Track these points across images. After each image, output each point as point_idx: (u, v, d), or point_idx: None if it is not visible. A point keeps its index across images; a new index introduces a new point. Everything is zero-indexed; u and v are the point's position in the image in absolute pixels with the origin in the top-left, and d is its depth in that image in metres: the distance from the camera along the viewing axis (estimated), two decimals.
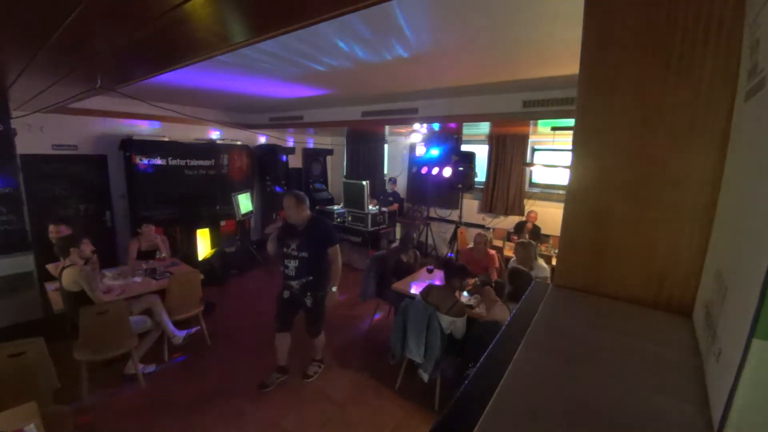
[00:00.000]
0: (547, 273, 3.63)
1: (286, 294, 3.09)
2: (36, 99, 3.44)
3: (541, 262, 3.74)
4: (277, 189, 6.97)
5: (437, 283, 3.29)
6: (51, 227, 3.81)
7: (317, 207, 7.38)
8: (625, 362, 0.50)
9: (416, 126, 5.51)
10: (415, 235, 7.28)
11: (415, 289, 3.56)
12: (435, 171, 5.99)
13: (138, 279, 3.69)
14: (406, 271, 4.12)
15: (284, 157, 7.30)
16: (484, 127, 5.89)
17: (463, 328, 2.89)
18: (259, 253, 6.37)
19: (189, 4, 1.10)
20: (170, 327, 3.49)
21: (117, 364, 3.21)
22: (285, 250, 3.01)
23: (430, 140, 6.33)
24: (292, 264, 2.98)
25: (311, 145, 8.40)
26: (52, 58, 1.92)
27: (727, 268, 0.44)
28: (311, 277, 2.99)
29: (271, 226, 3.14)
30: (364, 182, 6.11)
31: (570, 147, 0.69)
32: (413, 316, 2.95)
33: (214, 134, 6.57)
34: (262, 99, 5.19)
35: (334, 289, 3.06)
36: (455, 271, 3.07)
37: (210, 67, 3.21)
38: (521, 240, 4.17)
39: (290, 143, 7.74)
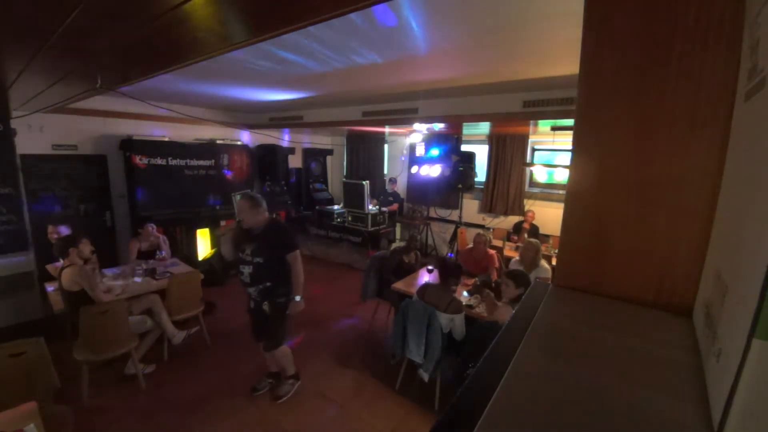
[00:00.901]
0: (549, 273, 3.62)
1: (252, 304, 2.92)
2: (36, 99, 3.44)
3: (543, 262, 3.73)
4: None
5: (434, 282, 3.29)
6: (49, 228, 3.81)
7: (317, 207, 7.39)
8: (625, 362, 0.50)
9: (416, 126, 5.51)
10: (419, 237, 7.28)
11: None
12: (435, 171, 5.98)
13: (138, 279, 3.69)
14: (407, 271, 4.13)
15: (284, 157, 7.28)
16: (484, 127, 5.89)
17: (462, 327, 2.88)
18: None
19: (189, 4, 1.10)
20: (170, 327, 3.49)
21: (117, 364, 3.21)
22: (240, 254, 2.84)
23: (430, 140, 6.33)
24: (247, 270, 2.79)
25: (307, 144, 8.34)
26: (52, 58, 1.92)
27: (727, 268, 0.44)
28: (269, 283, 2.80)
29: (225, 226, 3.03)
30: (364, 182, 6.11)
31: (570, 147, 0.69)
32: (413, 315, 2.95)
33: (214, 134, 6.56)
34: (261, 100, 5.19)
35: (298, 298, 2.87)
36: (450, 269, 3.07)
37: (208, 70, 3.21)
38: (530, 240, 4.13)
39: (286, 134, 7.71)
